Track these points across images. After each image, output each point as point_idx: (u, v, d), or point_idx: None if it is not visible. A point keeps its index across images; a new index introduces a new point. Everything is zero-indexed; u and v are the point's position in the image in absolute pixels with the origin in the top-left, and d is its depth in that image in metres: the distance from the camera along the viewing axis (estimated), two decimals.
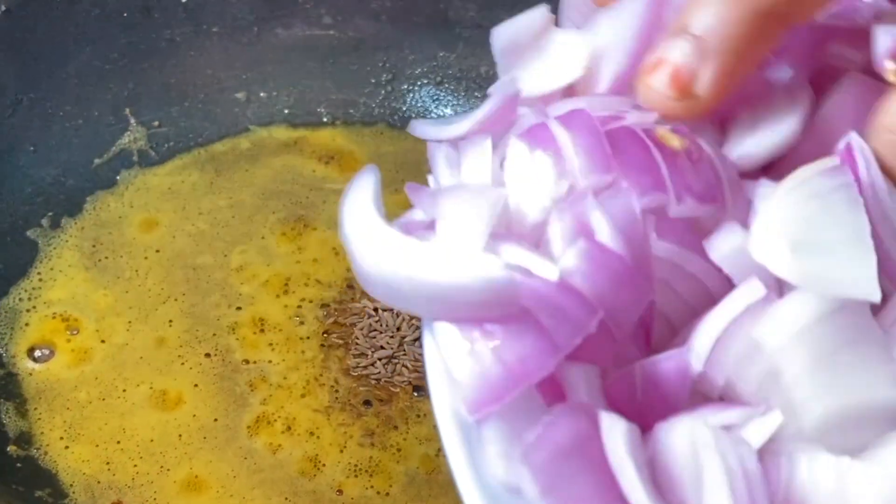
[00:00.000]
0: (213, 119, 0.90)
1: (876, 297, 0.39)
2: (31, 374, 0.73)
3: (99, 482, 0.67)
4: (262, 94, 0.92)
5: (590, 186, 0.42)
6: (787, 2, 0.44)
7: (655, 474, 0.36)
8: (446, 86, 0.94)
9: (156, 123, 0.88)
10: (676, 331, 0.44)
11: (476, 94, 0.94)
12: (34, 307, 0.76)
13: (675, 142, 0.44)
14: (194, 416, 0.71)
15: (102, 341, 0.74)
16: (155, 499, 0.67)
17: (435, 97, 0.95)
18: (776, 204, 0.41)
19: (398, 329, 0.75)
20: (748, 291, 0.40)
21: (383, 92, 0.94)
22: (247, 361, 0.74)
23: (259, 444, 0.70)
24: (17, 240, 0.80)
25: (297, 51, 0.92)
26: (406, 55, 0.94)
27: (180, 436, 0.70)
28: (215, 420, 0.71)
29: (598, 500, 0.35)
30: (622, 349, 0.41)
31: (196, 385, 0.73)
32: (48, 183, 0.83)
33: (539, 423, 0.35)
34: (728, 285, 0.42)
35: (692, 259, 0.43)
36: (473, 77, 0.94)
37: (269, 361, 0.74)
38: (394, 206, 0.45)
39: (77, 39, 0.83)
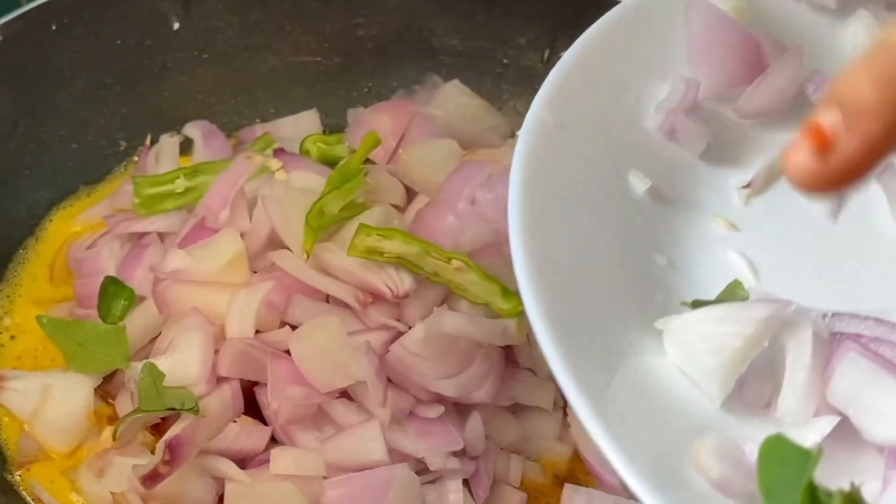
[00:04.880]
0: None
1: None
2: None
3: None
4: (251, 119, 0.94)
5: None
6: None
7: None
8: None
9: (147, 147, 0.90)
10: None
11: None
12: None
13: None
14: None
15: None
16: None
17: None
18: None
19: None
20: None
21: None
22: None
23: None
24: (14, 261, 0.83)
25: (284, 77, 0.94)
26: (390, 81, 0.96)
27: None
28: None
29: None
30: None
31: None
32: (42, 206, 0.85)
33: None
34: None
35: None
36: None
37: None
38: None
39: (72, 66, 0.85)
